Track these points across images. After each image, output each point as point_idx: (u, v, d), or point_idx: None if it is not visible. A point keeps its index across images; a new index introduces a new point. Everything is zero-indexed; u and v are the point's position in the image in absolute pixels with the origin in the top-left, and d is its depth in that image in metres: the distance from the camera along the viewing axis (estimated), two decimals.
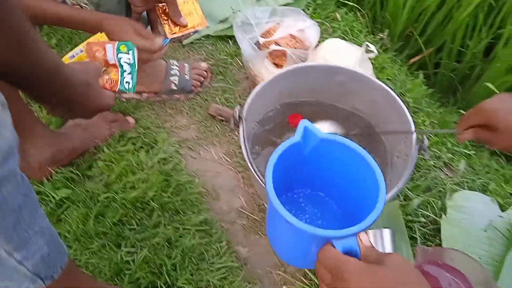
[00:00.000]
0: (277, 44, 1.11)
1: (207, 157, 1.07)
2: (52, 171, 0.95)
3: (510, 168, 1.08)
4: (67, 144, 0.97)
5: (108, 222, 0.90)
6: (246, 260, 0.90)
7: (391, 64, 1.26)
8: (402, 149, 0.82)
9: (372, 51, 1.02)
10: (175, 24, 1.00)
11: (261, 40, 1.12)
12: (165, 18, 1.00)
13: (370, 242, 0.48)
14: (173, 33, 1.00)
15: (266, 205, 0.96)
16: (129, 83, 0.79)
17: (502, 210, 0.93)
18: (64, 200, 0.93)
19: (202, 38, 1.29)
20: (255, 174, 0.75)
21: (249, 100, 0.84)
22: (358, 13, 1.41)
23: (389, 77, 1.21)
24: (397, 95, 0.86)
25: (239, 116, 0.79)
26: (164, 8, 1.00)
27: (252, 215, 0.97)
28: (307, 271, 0.88)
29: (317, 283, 0.85)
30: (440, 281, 0.70)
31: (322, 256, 0.48)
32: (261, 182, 0.75)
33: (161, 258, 0.85)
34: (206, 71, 1.18)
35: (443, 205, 0.94)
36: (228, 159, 1.06)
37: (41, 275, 0.52)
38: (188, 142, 1.09)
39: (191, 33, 1.06)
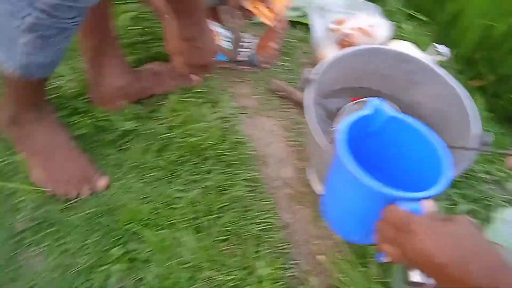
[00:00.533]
0: (346, 35, 1.16)
1: (263, 127, 1.11)
2: (121, 103, 1.01)
3: None
4: (139, 82, 1.03)
5: (165, 160, 0.95)
6: (286, 224, 0.93)
7: None
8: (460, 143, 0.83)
9: (440, 54, 1.05)
10: (269, 9, 1.05)
11: (332, 27, 1.17)
12: (257, 7, 1.05)
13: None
14: (269, 19, 1.04)
15: (310, 180, 1.00)
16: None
17: None
18: (128, 133, 0.99)
19: None
20: (314, 132, 0.78)
21: (318, 66, 0.88)
22: (426, 28, 1.45)
23: None
24: (466, 97, 0.88)
25: (308, 77, 0.83)
26: None
27: (297, 186, 1.00)
28: (342, 246, 0.90)
29: (348, 259, 0.87)
30: None
31: (388, 212, 0.49)
32: (318, 142, 0.78)
33: (210, 200, 0.89)
34: (275, 50, 1.23)
35: (487, 217, 0.96)
36: (282, 132, 1.11)
37: None
38: (247, 109, 1.13)
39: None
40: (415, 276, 0.48)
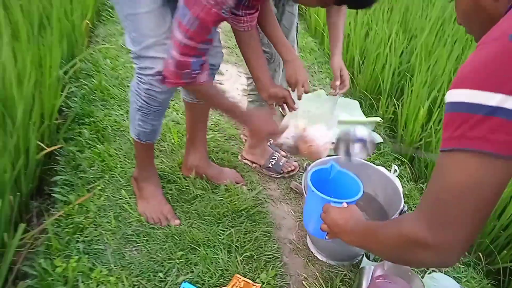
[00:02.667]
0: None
1: (281, 209, 1.70)
2: (193, 174, 1.68)
3: None
4: (210, 169, 1.71)
5: (216, 214, 1.55)
6: (286, 263, 1.45)
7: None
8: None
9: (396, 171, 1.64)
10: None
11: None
12: None
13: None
14: None
15: (307, 241, 1.53)
16: None
17: None
18: (197, 196, 1.62)
19: None
20: (303, 185, 1.37)
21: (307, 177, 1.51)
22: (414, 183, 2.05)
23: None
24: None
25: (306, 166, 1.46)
26: None
27: (297, 244, 1.54)
28: (319, 278, 1.39)
29: (320, 283, 1.36)
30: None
31: (324, 207, 1.09)
32: (304, 187, 1.36)
33: (241, 238, 1.46)
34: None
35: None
36: (293, 213, 1.68)
37: None
38: (272, 197, 1.74)
39: None
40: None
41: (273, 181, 1.83)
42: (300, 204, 1.73)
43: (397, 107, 2.28)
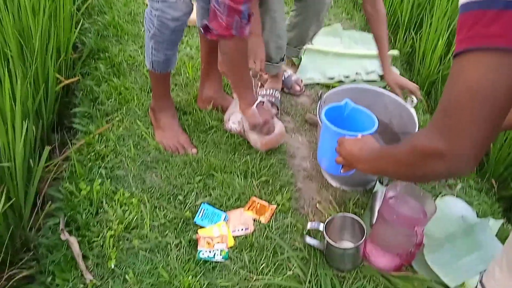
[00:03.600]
0: None
1: (296, 139, 1.72)
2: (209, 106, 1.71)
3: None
4: (223, 99, 1.73)
5: (232, 143, 1.59)
6: (299, 188, 1.49)
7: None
8: None
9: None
10: None
11: None
12: None
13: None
14: None
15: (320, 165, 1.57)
16: None
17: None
18: (212, 127, 1.66)
19: (315, 84, 2.02)
20: (319, 117, 1.39)
21: (324, 96, 1.51)
22: None
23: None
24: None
25: (320, 94, 1.46)
26: None
27: (310, 171, 1.57)
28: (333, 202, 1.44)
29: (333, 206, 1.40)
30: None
31: (339, 140, 1.09)
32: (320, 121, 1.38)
33: (256, 164, 1.50)
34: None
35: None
36: (308, 143, 1.71)
37: None
38: (286, 128, 1.76)
39: None
40: None
41: (287, 114, 1.84)
42: (314, 135, 1.75)
43: (415, 41, 2.22)
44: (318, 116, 1.43)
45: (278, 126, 1.56)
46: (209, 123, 1.66)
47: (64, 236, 1.19)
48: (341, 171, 1.15)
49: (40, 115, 1.50)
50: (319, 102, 1.47)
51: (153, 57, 1.42)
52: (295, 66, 2.09)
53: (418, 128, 1.43)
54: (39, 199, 1.33)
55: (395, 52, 2.20)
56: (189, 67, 1.91)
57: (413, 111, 1.52)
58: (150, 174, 1.45)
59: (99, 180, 1.36)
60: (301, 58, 2.05)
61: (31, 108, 1.37)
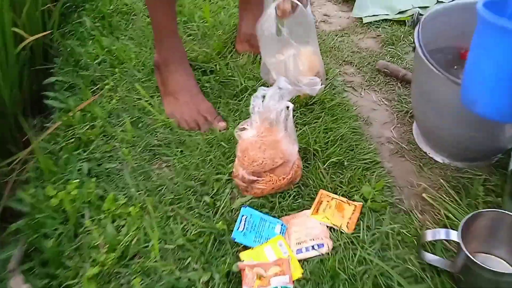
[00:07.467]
0: None
1: (367, 98, 1.18)
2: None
3: None
4: None
5: None
6: (389, 170, 0.96)
7: None
8: None
9: None
10: None
11: None
12: None
13: None
14: None
15: (415, 138, 1.03)
16: None
17: None
18: (247, 88, 1.13)
19: (381, 21, 1.46)
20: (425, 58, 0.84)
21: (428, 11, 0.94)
22: None
23: None
24: None
25: (417, 17, 0.90)
26: None
27: (400, 143, 1.03)
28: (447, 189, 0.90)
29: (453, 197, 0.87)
30: None
31: None
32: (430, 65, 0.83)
33: (317, 135, 0.97)
34: None
35: None
36: (386, 102, 1.16)
37: None
38: (353, 84, 1.22)
39: None
40: None
41: (350, 64, 1.30)
42: (393, 90, 1.20)
43: None
44: (418, 46, 0.87)
45: None
46: (242, 83, 1.13)
47: (16, 283, 0.70)
48: None
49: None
50: (417, 28, 0.91)
51: None
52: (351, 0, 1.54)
53: None
54: None
55: None
56: (206, 10, 1.37)
57: None
58: (158, 164, 0.95)
59: (76, 181, 0.86)
60: None
61: None
